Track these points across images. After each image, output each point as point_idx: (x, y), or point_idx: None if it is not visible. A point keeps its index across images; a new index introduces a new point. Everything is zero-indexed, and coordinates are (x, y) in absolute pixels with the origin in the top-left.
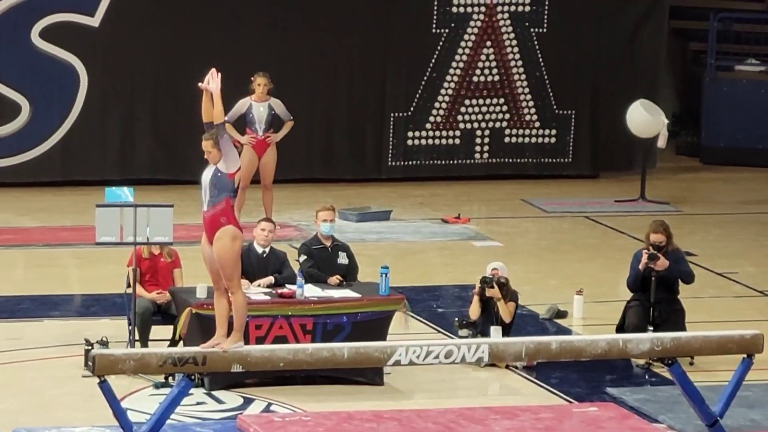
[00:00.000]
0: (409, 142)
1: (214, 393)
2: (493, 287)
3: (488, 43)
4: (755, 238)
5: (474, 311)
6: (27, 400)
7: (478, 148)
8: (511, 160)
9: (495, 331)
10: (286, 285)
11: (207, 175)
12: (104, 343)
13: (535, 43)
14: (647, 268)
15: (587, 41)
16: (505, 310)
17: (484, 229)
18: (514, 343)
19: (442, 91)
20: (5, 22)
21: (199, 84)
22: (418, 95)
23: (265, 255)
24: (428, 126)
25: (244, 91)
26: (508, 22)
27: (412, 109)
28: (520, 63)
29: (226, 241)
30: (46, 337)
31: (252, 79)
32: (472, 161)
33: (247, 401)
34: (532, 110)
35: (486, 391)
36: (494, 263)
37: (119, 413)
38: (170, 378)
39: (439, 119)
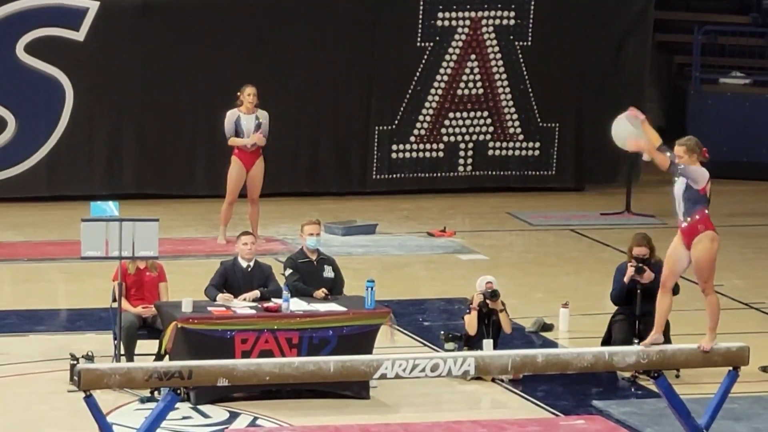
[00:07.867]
0: (394, 155)
1: (200, 407)
2: (495, 300)
3: (473, 57)
4: (741, 251)
5: (472, 326)
6: (13, 416)
7: (461, 161)
8: (494, 173)
9: (488, 344)
10: (272, 299)
11: (678, 190)
12: (90, 358)
13: (520, 56)
14: (632, 281)
15: (572, 55)
16: (506, 322)
17: (470, 243)
18: (500, 356)
19: (427, 104)
20: None
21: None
22: (402, 108)
23: (250, 269)
24: (412, 139)
25: (230, 106)
26: (493, 35)
27: (396, 122)
28: (504, 76)
29: (705, 243)
30: (32, 352)
31: (240, 91)
32: (456, 174)
33: (233, 415)
34: (516, 123)
35: (472, 405)
36: (486, 276)
37: (105, 428)
38: (156, 392)
39: (423, 132)
